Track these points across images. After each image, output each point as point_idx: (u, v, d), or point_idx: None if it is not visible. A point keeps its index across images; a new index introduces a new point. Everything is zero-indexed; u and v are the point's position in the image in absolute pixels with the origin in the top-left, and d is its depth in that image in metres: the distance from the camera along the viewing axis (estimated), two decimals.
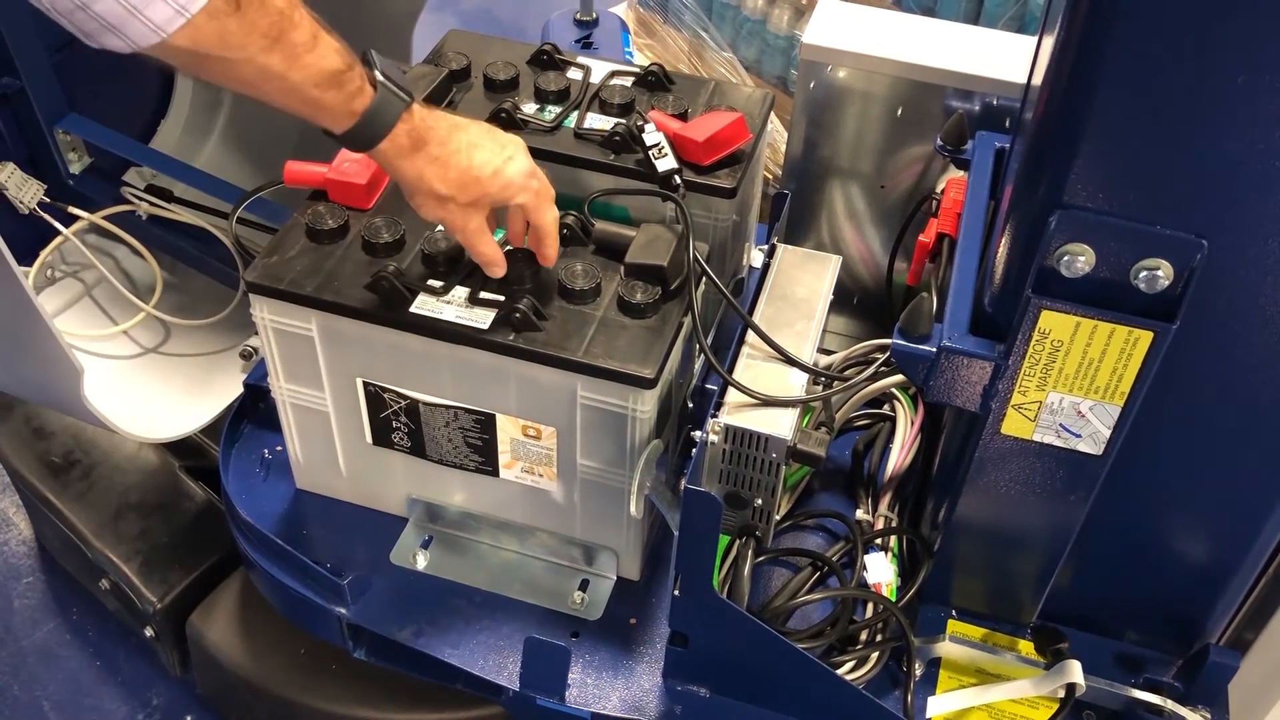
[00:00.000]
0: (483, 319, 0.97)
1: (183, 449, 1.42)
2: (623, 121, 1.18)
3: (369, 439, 1.11)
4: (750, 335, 1.03)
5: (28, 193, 1.31)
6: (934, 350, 0.91)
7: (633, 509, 0.97)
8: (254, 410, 1.26)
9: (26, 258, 1.29)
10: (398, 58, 1.26)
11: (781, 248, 1.13)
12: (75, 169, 1.38)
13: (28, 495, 1.48)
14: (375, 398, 1.06)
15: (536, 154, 1.16)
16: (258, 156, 1.52)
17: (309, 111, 0.84)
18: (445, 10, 2.74)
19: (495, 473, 1.08)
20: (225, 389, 1.28)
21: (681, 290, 1.01)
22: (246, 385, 1.25)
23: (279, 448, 1.22)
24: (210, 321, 1.32)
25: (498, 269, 0.97)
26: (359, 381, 1.05)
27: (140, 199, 1.33)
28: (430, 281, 1.00)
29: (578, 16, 2.18)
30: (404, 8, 1.52)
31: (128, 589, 1.36)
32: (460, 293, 0.99)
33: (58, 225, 1.28)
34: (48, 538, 1.56)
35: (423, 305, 0.98)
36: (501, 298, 0.99)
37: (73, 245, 1.29)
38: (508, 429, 1.04)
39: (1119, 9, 0.72)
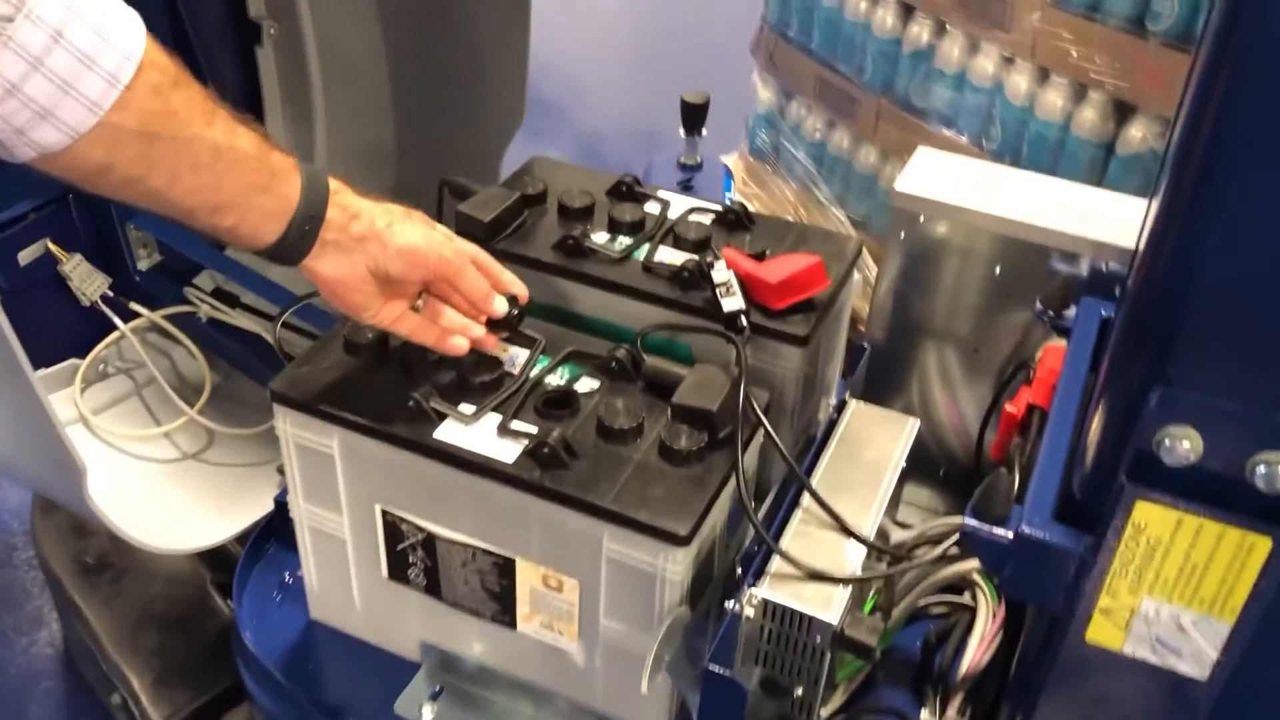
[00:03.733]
0: (510, 451, 0.91)
1: (216, 561, 1.38)
2: (694, 258, 1.13)
3: (385, 572, 1.04)
4: (806, 498, 0.94)
5: (92, 285, 1.33)
6: (1010, 536, 0.80)
7: (644, 684, 0.87)
8: (283, 529, 1.21)
9: (82, 350, 1.30)
10: (485, 183, 1.24)
11: (853, 403, 1.05)
12: (143, 265, 1.40)
13: (58, 595, 1.46)
14: (393, 528, 1.00)
15: (599, 284, 1.12)
16: None
17: (256, 194, 0.79)
18: (548, 142, 2.80)
19: (513, 624, 1.00)
20: (256, 504, 1.24)
21: (732, 440, 0.93)
22: (277, 502, 1.20)
23: (300, 572, 1.16)
24: (254, 432, 1.30)
25: (460, 342, 0.94)
26: (377, 508, 0.99)
27: (203, 301, 1.33)
28: (463, 406, 0.94)
29: (682, 160, 2.18)
30: (497, 129, 1.53)
31: (134, 706, 1.30)
32: (491, 421, 0.93)
33: (116, 320, 1.29)
34: (72, 641, 1.52)
35: (449, 431, 0.92)
36: (534, 429, 0.92)
37: (129, 342, 1.30)
38: (528, 577, 0.96)
39: (1234, 164, 0.64)
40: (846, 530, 0.92)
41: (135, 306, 1.32)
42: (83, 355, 1.29)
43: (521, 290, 0.99)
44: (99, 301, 1.32)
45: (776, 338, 1.06)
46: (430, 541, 0.98)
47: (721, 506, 0.91)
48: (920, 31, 1.92)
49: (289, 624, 1.14)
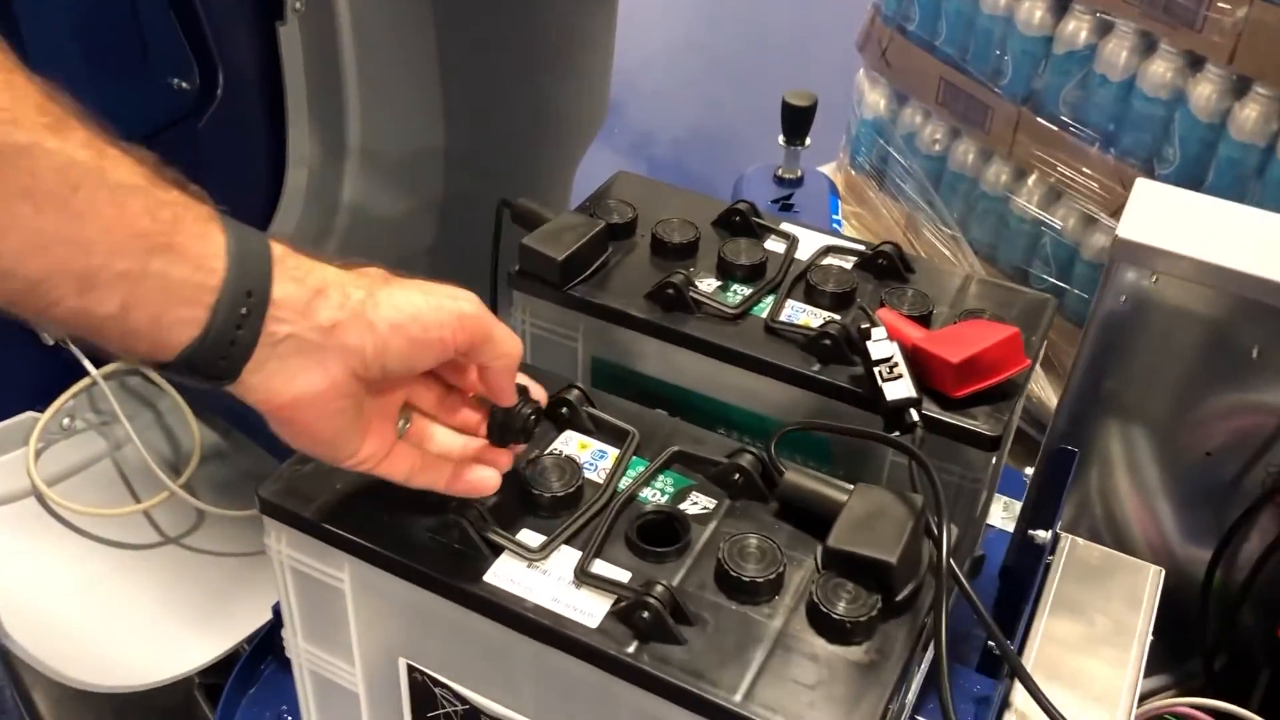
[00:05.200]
0: (592, 608, 0.64)
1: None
2: (837, 318, 0.86)
3: None
4: (1018, 695, 0.66)
5: None
6: None
7: None
8: (283, 646, 0.96)
9: (43, 400, 1.05)
10: (554, 204, 0.98)
11: (1068, 542, 0.77)
12: None
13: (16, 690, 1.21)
14: (423, 690, 0.73)
15: (707, 349, 0.86)
16: None
17: (148, 255, 0.50)
18: (626, 154, 2.53)
19: None
20: (252, 609, 0.99)
21: (912, 604, 0.66)
22: (276, 612, 0.95)
23: None
24: (254, 513, 1.05)
25: (489, 478, 0.67)
26: (402, 664, 0.73)
27: None
28: (525, 534, 0.68)
29: (780, 173, 1.91)
30: (572, 136, 1.27)
31: None
32: (566, 559, 0.67)
33: (86, 363, 1.04)
34: None
35: (505, 572, 0.66)
36: (627, 575, 0.66)
37: (101, 390, 1.05)
38: None
39: None
40: None
41: None
42: (43, 407, 1.04)
43: (537, 389, 0.70)
44: (65, 340, 1.08)
45: (958, 438, 0.79)
46: (473, 717, 0.72)
47: (903, 708, 0.64)
48: (1078, 29, 1.63)
49: None
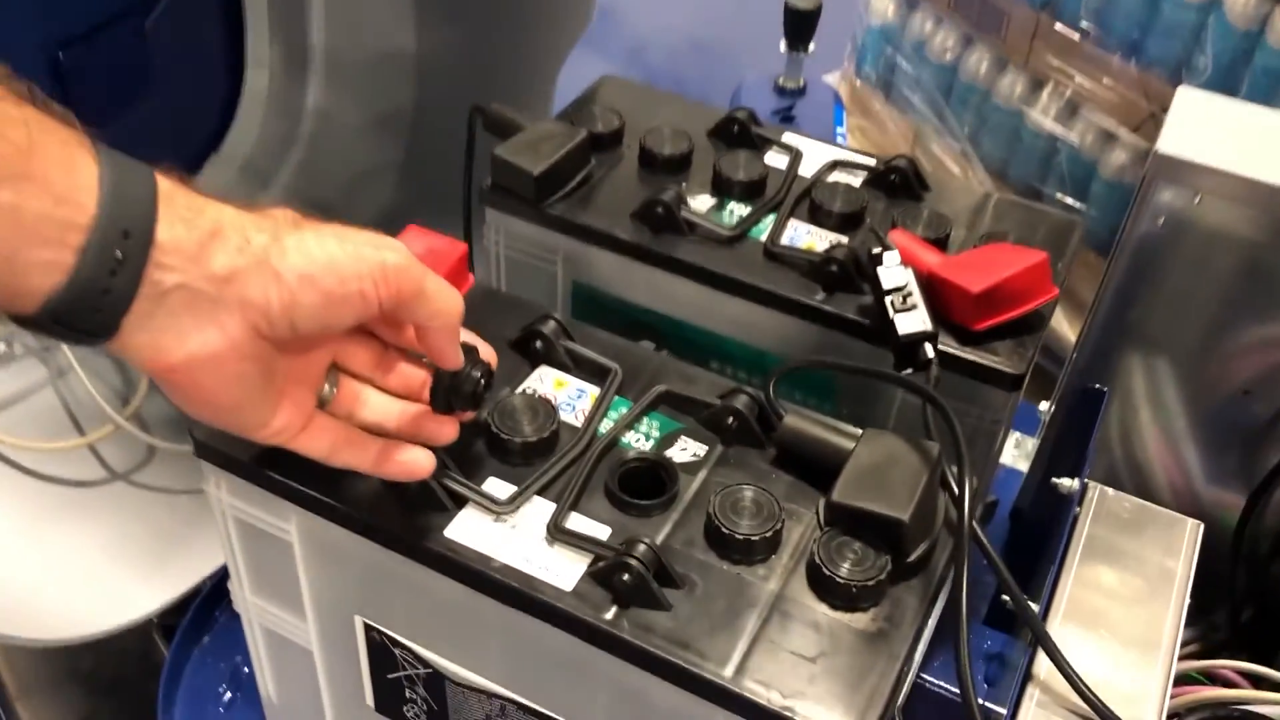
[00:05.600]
0: (567, 569, 0.57)
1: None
2: (844, 241, 0.78)
3: (370, 702, 0.72)
4: (1043, 664, 0.60)
5: None
6: None
7: None
8: None
9: None
10: (534, 113, 0.89)
11: (1096, 492, 0.70)
12: None
13: None
14: (381, 650, 0.67)
15: (700, 275, 0.78)
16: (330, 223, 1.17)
17: None
18: (617, 62, 2.41)
19: None
20: (205, 552, 0.92)
21: (925, 566, 0.59)
22: None
23: None
24: None
25: (422, 461, 0.57)
26: (359, 622, 0.67)
27: None
28: (492, 484, 0.61)
29: (780, 82, 1.80)
30: (556, 34, 1.16)
31: None
32: (538, 512, 0.60)
33: None
34: None
35: (469, 527, 0.59)
36: (606, 530, 0.59)
37: None
38: None
39: None
40: None
41: None
42: None
43: (486, 349, 0.60)
44: None
45: (977, 376, 0.71)
46: (437, 680, 0.66)
47: (908, 681, 0.57)
48: None
49: None
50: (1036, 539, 0.78)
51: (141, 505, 0.96)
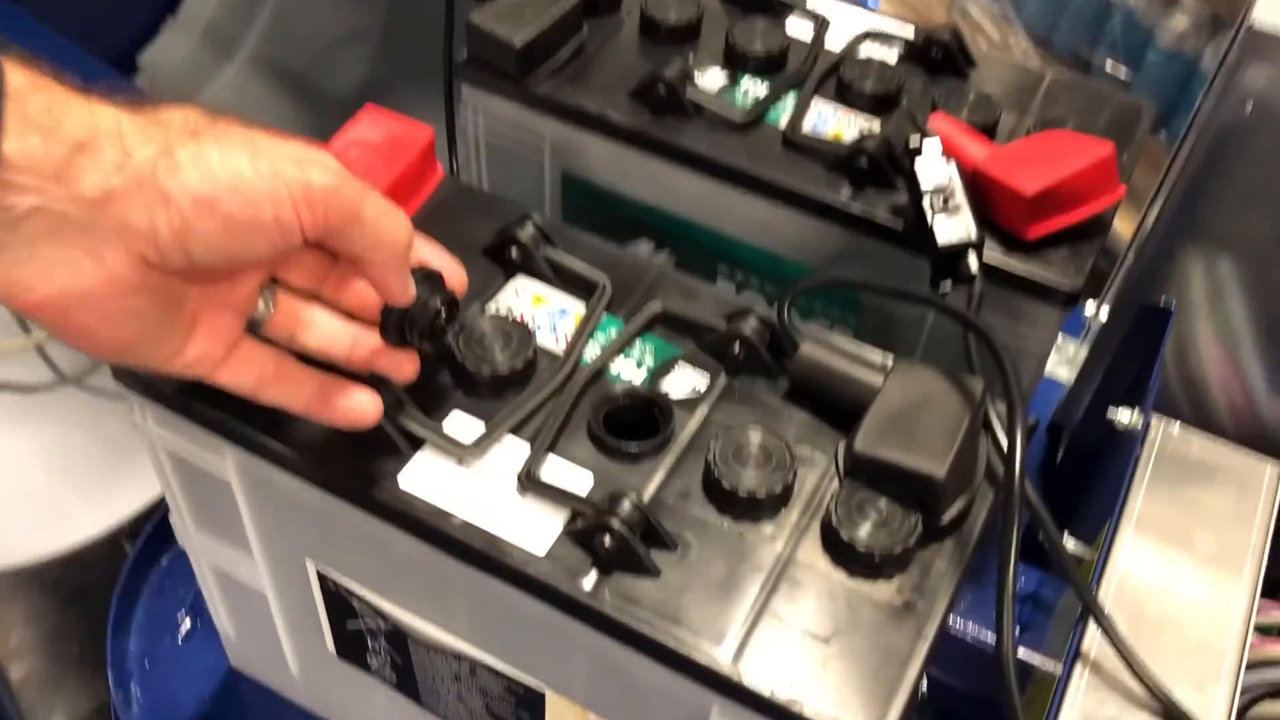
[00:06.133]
0: (540, 528, 0.49)
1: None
2: (876, 128, 0.68)
3: (331, 649, 0.65)
4: (1094, 637, 0.52)
5: None
6: None
7: None
8: None
9: None
10: None
11: (1160, 429, 0.60)
12: None
13: None
14: (338, 599, 0.60)
15: (708, 167, 0.68)
16: (301, 98, 1.05)
17: None
18: None
19: None
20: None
21: (960, 526, 0.50)
22: None
23: None
24: None
25: (365, 404, 0.48)
26: (310, 566, 0.59)
27: None
28: (455, 421, 0.52)
29: None
30: None
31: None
32: (508, 455, 0.51)
33: None
34: None
35: (426, 474, 0.50)
36: (588, 480, 0.50)
37: None
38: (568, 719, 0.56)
39: None
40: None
41: None
42: None
43: (451, 269, 0.51)
44: None
45: (1026, 291, 0.62)
46: (399, 636, 0.59)
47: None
48: None
49: (200, 669, 0.77)
50: (1081, 471, 0.70)
51: (94, 412, 0.88)
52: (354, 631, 0.61)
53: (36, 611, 0.99)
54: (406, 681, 0.62)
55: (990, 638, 0.67)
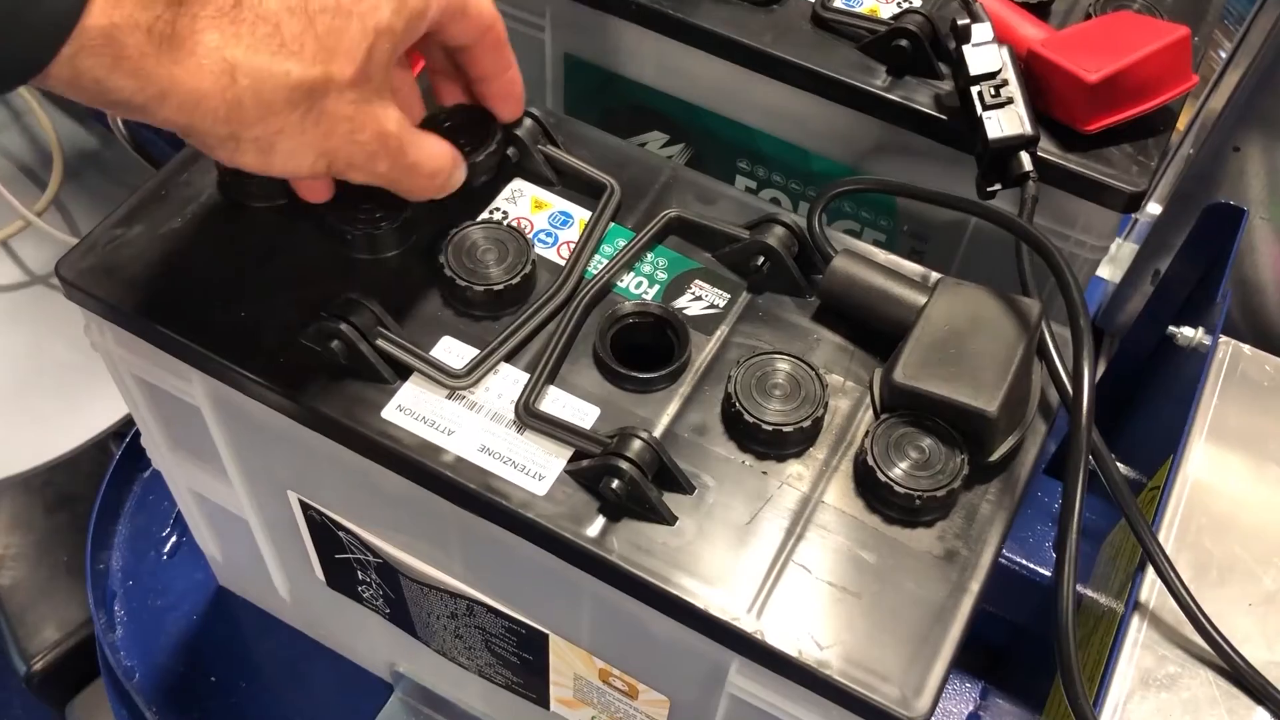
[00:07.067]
0: (541, 466, 0.44)
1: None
2: (915, 4, 0.61)
3: (321, 578, 0.61)
4: (1154, 585, 0.47)
5: None
6: None
7: None
8: None
9: None
10: None
11: (1228, 348, 0.55)
12: None
13: None
14: (324, 530, 0.55)
15: (730, 50, 0.61)
16: None
17: None
18: None
19: (543, 703, 0.58)
20: None
21: (1009, 465, 0.45)
22: None
23: None
24: None
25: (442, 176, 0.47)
26: (293, 497, 0.55)
27: None
28: (444, 347, 0.47)
29: None
30: None
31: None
32: (504, 385, 0.46)
33: None
34: None
35: (412, 406, 0.45)
36: (593, 413, 0.45)
37: None
38: (571, 662, 0.52)
39: None
40: (1256, 687, 0.45)
41: None
42: None
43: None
44: None
45: (1082, 192, 0.56)
46: (389, 571, 0.54)
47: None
48: None
49: (186, 587, 0.74)
50: (1129, 387, 0.65)
51: (68, 311, 0.83)
52: (342, 562, 0.57)
53: (22, 518, 0.96)
54: (400, 616, 0.59)
55: (1028, 562, 0.64)
